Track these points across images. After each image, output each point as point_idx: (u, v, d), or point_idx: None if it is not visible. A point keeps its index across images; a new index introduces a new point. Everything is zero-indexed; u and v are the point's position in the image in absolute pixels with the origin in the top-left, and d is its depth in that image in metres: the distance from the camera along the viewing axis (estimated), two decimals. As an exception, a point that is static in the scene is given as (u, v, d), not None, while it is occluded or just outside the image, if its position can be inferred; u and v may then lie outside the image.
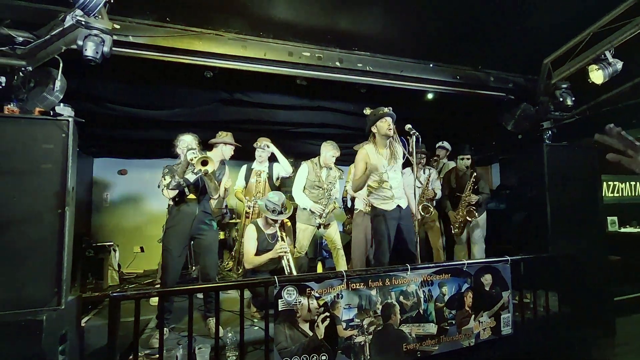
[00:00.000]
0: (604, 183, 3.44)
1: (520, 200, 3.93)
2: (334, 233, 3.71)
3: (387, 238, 2.89)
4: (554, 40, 3.29)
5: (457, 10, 2.88)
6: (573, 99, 3.51)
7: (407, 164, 4.24)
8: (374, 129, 2.92)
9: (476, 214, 3.93)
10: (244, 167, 4.15)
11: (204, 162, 2.62)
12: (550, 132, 3.77)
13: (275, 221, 3.13)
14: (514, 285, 2.84)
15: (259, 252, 3.11)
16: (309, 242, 3.71)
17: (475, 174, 4.05)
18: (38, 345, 1.86)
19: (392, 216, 2.93)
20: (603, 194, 3.46)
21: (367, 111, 3.03)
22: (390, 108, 2.92)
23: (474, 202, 3.94)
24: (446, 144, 4.81)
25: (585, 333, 3.07)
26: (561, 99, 3.50)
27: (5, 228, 1.95)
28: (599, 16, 2.90)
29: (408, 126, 2.87)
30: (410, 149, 2.86)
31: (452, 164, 4.57)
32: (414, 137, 2.80)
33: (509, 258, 2.83)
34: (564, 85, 3.51)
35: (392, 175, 2.96)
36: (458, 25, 3.08)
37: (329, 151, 3.62)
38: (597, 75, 3.06)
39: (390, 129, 2.86)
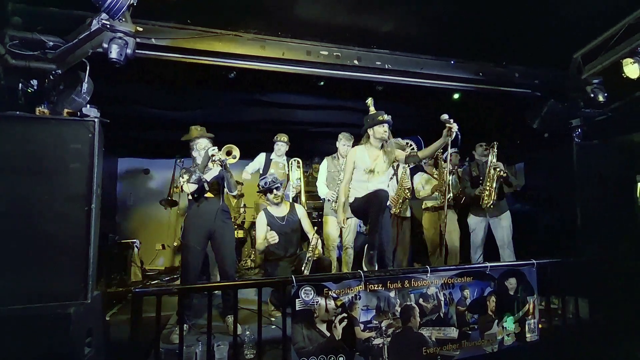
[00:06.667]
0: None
1: (548, 202, 3.75)
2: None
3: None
4: (584, 33, 3.13)
5: (479, 3, 2.78)
6: (605, 94, 3.34)
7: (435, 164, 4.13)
8: (370, 131, 2.88)
9: (507, 174, 3.42)
10: (263, 154, 4.13)
11: (229, 152, 2.67)
12: (580, 130, 3.59)
13: (277, 197, 3.25)
14: (540, 291, 2.72)
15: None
16: (337, 234, 3.74)
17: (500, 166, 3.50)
18: (66, 337, 1.93)
19: None
20: (639, 196, 3.25)
21: (369, 102, 2.94)
22: (390, 117, 2.80)
23: (503, 174, 3.40)
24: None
25: (618, 343, 2.90)
26: (592, 95, 3.35)
27: (35, 225, 2.04)
28: (635, 6, 2.74)
29: (444, 116, 2.66)
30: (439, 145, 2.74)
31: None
32: (453, 133, 2.64)
33: (534, 262, 2.71)
34: (596, 81, 3.35)
35: (378, 178, 2.86)
36: (480, 19, 2.98)
37: (340, 141, 3.80)
38: (632, 70, 2.93)
39: (386, 133, 2.84)
